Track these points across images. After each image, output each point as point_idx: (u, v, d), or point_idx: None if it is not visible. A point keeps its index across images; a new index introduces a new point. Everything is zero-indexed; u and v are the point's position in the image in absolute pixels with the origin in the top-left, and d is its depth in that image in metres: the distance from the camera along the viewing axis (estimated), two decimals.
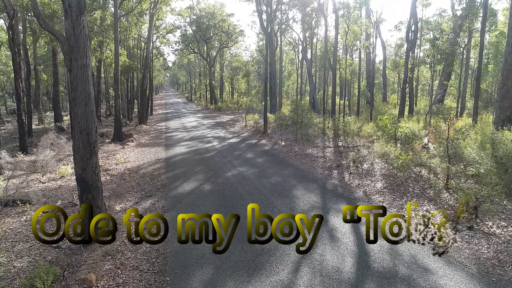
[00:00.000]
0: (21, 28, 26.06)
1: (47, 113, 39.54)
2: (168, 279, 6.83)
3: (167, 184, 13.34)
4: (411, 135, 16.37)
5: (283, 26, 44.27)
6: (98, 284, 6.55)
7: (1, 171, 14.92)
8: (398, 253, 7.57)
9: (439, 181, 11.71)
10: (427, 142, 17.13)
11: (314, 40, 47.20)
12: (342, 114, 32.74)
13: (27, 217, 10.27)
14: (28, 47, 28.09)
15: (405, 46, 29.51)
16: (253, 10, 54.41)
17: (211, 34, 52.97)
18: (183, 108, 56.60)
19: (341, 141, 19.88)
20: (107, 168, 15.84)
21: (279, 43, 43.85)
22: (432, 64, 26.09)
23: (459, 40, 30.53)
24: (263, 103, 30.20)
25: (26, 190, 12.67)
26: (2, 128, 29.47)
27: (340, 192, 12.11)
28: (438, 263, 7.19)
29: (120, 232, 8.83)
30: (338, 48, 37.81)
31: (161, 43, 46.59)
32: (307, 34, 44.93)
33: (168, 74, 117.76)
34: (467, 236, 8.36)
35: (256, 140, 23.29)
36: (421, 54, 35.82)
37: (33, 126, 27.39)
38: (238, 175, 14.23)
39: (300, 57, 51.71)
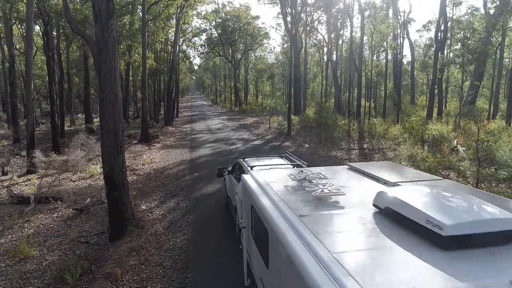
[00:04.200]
0: (55, 34, 27.25)
1: (79, 115, 41.10)
2: (190, 276, 6.96)
3: (191, 184, 13.56)
4: (439, 137, 15.89)
5: (308, 28, 44.04)
6: (123, 279, 6.75)
7: (35, 169, 15.64)
8: None
9: (469, 185, 11.31)
10: (456, 145, 16.57)
11: (340, 42, 46.71)
12: (368, 116, 32.18)
13: (58, 214, 10.73)
14: (61, 51, 29.34)
15: (434, 46, 28.68)
16: (277, 13, 54.47)
17: (236, 37, 53.42)
18: (208, 110, 57.34)
19: (366, 143, 19.55)
20: (133, 168, 16.28)
21: (304, 45, 43.66)
22: (463, 65, 25.22)
23: (492, 39, 29.36)
24: (287, 105, 30.14)
25: (58, 188, 13.23)
26: (37, 129, 30.90)
27: None
28: None
29: (145, 230, 9.07)
30: (364, 49, 37.22)
31: (187, 46, 47.46)
32: (332, 36, 44.52)
33: (193, 77, 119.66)
34: None
35: (280, 142, 23.27)
36: (451, 55, 34.68)
37: (65, 128, 28.52)
38: None
39: (325, 59, 51.28)
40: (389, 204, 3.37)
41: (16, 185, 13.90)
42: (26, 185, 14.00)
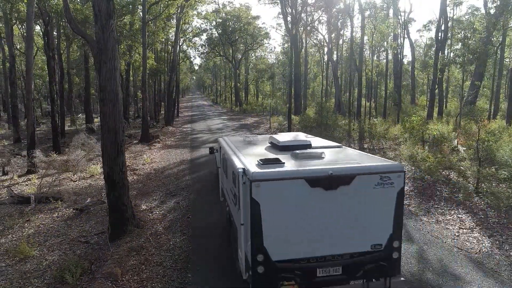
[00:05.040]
0: (55, 34, 27.25)
1: (79, 115, 41.12)
2: (190, 275, 6.96)
3: (191, 184, 13.56)
4: (439, 137, 15.88)
5: (308, 28, 44.03)
6: (123, 278, 6.76)
7: (35, 169, 15.65)
8: None
9: (469, 184, 11.30)
10: (456, 145, 16.55)
11: (340, 42, 46.70)
12: (368, 116, 32.16)
13: (58, 213, 10.74)
14: (62, 51, 29.33)
15: (435, 46, 28.65)
16: (278, 13, 54.52)
17: (237, 37, 53.41)
18: (208, 110, 57.33)
19: (367, 143, 19.53)
20: (134, 168, 16.28)
21: (304, 45, 43.66)
22: (463, 64, 25.20)
23: (492, 39, 29.33)
24: (287, 105, 30.14)
25: (58, 188, 13.25)
26: (37, 129, 30.91)
27: None
28: None
29: (145, 230, 9.07)
30: (364, 49, 37.23)
31: (187, 46, 47.50)
32: (332, 36, 44.51)
33: (194, 77, 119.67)
34: None
35: None
36: (452, 55, 34.64)
37: (66, 127, 28.52)
38: None
39: (325, 59, 51.30)
40: (272, 140, 7.60)
41: (17, 185, 13.92)
42: (27, 185, 14.02)
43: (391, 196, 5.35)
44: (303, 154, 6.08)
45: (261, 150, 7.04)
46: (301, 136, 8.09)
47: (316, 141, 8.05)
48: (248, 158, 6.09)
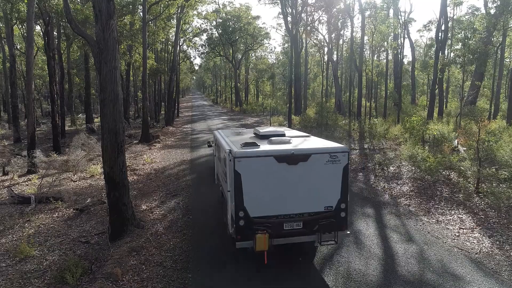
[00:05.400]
0: (56, 34, 27.24)
1: (79, 115, 41.11)
2: (190, 276, 6.96)
3: (192, 184, 13.57)
4: (440, 137, 15.87)
5: (309, 28, 43.97)
6: (124, 279, 6.76)
7: (36, 169, 15.66)
8: None
9: (469, 184, 11.30)
10: (457, 145, 16.55)
11: (340, 42, 46.69)
12: (368, 116, 32.14)
13: (59, 214, 10.74)
14: (62, 52, 29.32)
15: (435, 46, 28.63)
16: (278, 13, 54.53)
17: (237, 37, 53.38)
18: (208, 110, 57.31)
19: (367, 144, 19.52)
20: (134, 168, 16.29)
21: (304, 45, 43.61)
22: (464, 64, 25.17)
23: (492, 39, 29.30)
24: (288, 105, 30.13)
25: (59, 188, 13.24)
26: (37, 129, 30.93)
27: (365, 195, 11.91)
28: None
29: (145, 230, 9.07)
30: (364, 49, 37.22)
31: (187, 46, 47.42)
32: (333, 36, 44.49)
33: (194, 77, 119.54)
34: None
35: None
36: (452, 55, 34.60)
37: (66, 128, 28.53)
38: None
39: (325, 59, 51.25)
40: (255, 131, 9.32)
41: (17, 185, 13.92)
42: (27, 185, 14.02)
43: (338, 170, 7.10)
44: (275, 140, 7.87)
45: (246, 138, 8.60)
46: (278, 128, 10.19)
47: (289, 132, 9.96)
48: (235, 143, 7.74)
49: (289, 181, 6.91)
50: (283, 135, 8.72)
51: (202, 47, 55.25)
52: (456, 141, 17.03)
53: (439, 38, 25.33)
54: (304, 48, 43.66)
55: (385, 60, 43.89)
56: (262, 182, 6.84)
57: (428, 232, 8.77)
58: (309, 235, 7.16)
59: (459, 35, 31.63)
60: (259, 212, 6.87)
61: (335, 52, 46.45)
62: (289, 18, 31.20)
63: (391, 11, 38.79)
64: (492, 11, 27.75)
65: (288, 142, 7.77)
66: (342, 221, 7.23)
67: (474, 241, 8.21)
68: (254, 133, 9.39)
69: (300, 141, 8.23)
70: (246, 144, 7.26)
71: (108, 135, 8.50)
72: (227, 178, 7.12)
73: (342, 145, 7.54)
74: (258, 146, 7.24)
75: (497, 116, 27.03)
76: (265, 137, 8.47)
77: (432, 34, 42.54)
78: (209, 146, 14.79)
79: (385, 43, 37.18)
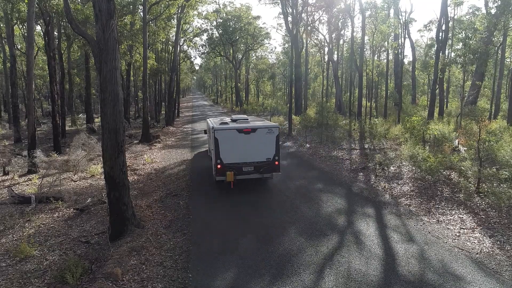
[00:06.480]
0: (56, 34, 27.23)
1: (80, 115, 41.09)
2: (190, 275, 6.95)
3: (192, 184, 13.56)
4: (440, 137, 15.84)
5: (309, 28, 43.93)
6: (124, 278, 6.75)
7: (36, 169, 15.66)
8: None
9: (470, 184, 11.28)
10: (457, 145, 16.52)
11: (341, 42, 46.62)
12: (369, 116, 32.10)
13: (59, 213, 10.74)
14: (62, 52, 29.32)
15: (436, 46, 28.59)
16: (278, 13, 54.49)
17: (237, 37, 53.33)
18: (209, 110, 57.28)
19: (367, 143, 19.50)
20: (134, 168, 16.29)
21: (305, 45, 43.57)
22: (464, 64, 25.12)
23: (493, 39, 29.25)
24: (288, 105, 30.12)
25: (59, 188, 13.24)
26: (38, 129, 30.93)
27: (365, 195, 11.90)
28: None
29: (145, 229, 9.07)
30: (365, 49, 37.19)
31: (188, 46, 47.42)
32: (333, 36, 44.44)
33: (194, 77, 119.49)
34: None
35: (281, 142, 23.12)
36: (453, 55, 34.54)
37: (66, 128, 28.53)
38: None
39: (326, 59, 51.20)
40: (231, 118, 14.71)
41: (17, 185, 13.93)
42: (27, 185, 14.03)
43: (273, 137, 12.34)
44: (240, 121, 13.28)
45: (224, 121, 13.56)
46: (245, 116, 15.09)
47: (252, 118, 15.51)
48: (216, 124, 13.06)
49: (245, 143, 12.06)
50: (246, 119, 13.71)
51: (202, 47, 55.24)
52: (456, 141, 17.00)
53: (440, 38, 25.31)
54: (304, 48, 43.62)
55: (385, 60, 43.82)
56: (230, 144, 11.97)
57: (429, 232, 8.75)
58: (257, 174, 12.33)
59: (460, 35, 31.58)
60: (228, 160, 11.98)
61: (336, 52, 46.40)
62: (289, 18, 31.18)
63: (392, 11, 38.76)
64: (493, 11, 27.72)
65: (247, 123, 13.01)
66: (276, 166, 12.47)
67: (474, 241, 8.20)
68: (230, 119, 14.27)
69: (253, 122, 13.40)
70: (222, 123, 12.91)
71: (108, 135, 8.50)
72: (212, 143, 12.48)
73: (275, 123, 14.16)
74: (228, 124, 12.82)
75: (498, 116, 26.98)
76: (235, 120, 13.53)
77: (433, 34, 42.46)
78: (205, 133, 18.64)
79: (386, 43, 37.10)
